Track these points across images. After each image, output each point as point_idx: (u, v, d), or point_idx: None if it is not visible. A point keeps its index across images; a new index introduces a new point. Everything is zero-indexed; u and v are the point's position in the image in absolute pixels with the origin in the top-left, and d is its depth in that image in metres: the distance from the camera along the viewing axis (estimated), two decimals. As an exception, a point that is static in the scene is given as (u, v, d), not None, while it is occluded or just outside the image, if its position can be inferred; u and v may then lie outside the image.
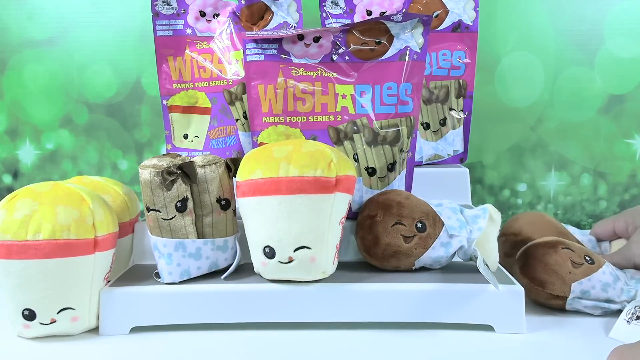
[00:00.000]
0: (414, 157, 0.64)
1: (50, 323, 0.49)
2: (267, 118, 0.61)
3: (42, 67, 0.89)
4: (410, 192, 0.62)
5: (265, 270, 0.52)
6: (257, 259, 0.52)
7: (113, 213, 0.54)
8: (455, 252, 0.54)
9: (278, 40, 0.61)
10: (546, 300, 0.54)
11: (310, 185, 0.49)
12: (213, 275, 0.55)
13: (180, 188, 0.53)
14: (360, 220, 0.56)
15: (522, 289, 0.51)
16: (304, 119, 0.60)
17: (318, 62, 0.61)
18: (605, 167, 0.89)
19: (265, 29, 0.71)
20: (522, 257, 0.56)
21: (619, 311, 0.52)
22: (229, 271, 0.55)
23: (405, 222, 0.53)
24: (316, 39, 0.61)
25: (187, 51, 0.72)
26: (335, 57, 0.61)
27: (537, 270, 0.54)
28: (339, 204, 0.51)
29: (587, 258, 0.54)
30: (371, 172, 0.60)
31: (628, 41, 0.86)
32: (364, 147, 0.60)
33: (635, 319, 0.48)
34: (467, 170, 0.74)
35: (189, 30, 0.72)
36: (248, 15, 0.72)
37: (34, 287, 0.48)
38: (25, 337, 0.51)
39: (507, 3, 0.86)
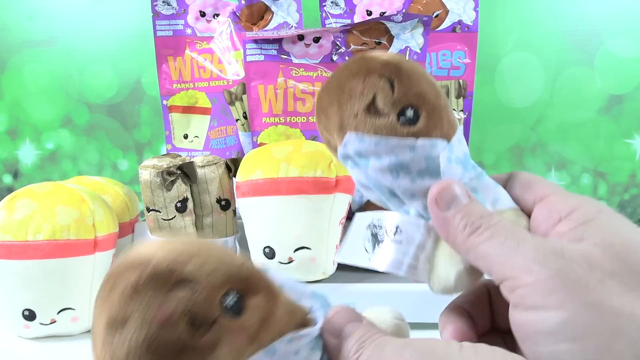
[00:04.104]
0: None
1: (50, 323, 0.49)
2: (267, 118, 0.61)
3: (42, 67, 0.89)
4: None
5: (265, 271, 0.52)
6: (257, 260, 0.52)
7: (113, 213, 0.54)
8: None
9: (278, 41, 0.61)
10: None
11: (310, 186, 0.49)
12: (213, 275, 0.55)
13: (180, 188, 0.53)
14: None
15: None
16: (304, 119, 0.60)
17: (318, 62, 0.61)
18: (605, 167, 0.89)
19: (265, 29, 0.71)
20: None
21: None
22: (229, 271, 0.55)
23: None
24: (316, 39, 0.61)
25: (187, 51, 0.72)
26: (335, 58, 0.61)
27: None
28: (339, 204, 0.51)
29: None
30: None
31: (628, 41, 0.86)
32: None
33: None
34: (467, 170, 0.74)
35: (189, 30, 0.72)
36: (248, 15, 0.72)
37: (34, 288, 0.48)
38: (25, 337, 0.51)
39: (507, 3, 0.86)
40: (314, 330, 0.21)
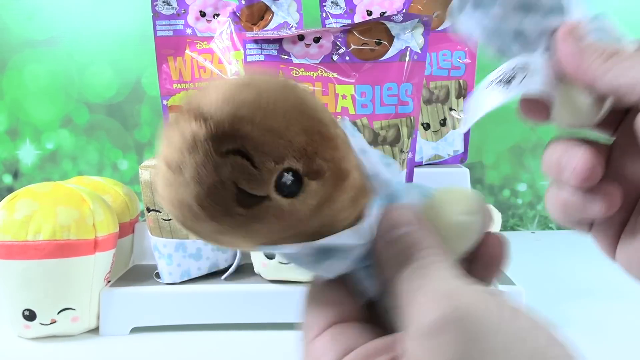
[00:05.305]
0: (414, 158, 0.64)
1: (51, 323, 0.49)
2: (267, 118, 0.61)
3: (42, 67, 0.89)
4: None
5: (265, 271, 0.52)
6: (257, 260, 0.53)
7: (113, 213, 0.54)
8: None
9: (278, 41, 0.61)
10: None
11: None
12: (213, 275, 0.55)
13: (181, 188, 0.53)
14: None
15: (522, 290, 0.51)
16: (304, 119, 0.61)
17: (318, 62, 0.61)
18: (605, 167, 0.89)
19: (265, 29, 0.71)
20: None
21: None
22: (229, 272, 0.55)
23: None
24: (316, 39, 0.61)
25: (188, 51, 0.72)
26: (335, 58, 0.61)
27: None
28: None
29: None
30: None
31: (628, 41, 0.86)
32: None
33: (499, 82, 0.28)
34: (467, 170, 0.74)
35: (189, 31, 0.72)
36: (248, 15, 0.72)
37: (35, 288, 0.48)
38: (25, 337, 0.51)
39: (507, 3, 0.86)
40: (353, 232, 0.19)
